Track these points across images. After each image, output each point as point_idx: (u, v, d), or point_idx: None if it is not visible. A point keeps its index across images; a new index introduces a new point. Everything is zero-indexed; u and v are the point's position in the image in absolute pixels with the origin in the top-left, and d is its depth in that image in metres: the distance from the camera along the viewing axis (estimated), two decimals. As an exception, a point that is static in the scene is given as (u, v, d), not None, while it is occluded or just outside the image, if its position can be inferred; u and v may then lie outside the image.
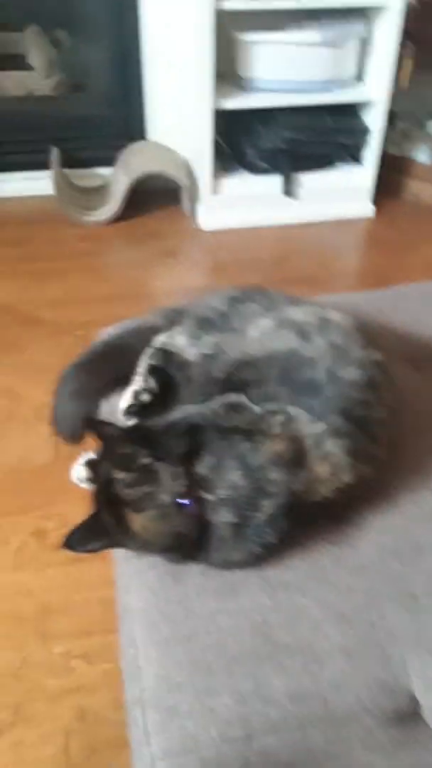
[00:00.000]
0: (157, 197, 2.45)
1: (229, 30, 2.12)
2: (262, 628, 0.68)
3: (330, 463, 0.72)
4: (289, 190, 2.37)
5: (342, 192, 2.44)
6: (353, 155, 2.45)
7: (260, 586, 0.72)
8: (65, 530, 0.69)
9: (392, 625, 0.69)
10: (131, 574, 0.76)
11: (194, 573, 0.73)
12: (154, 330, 0.93)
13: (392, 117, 2.43)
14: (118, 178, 2.41)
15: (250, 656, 0.66)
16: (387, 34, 2.18)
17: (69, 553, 0.70)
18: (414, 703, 0.65)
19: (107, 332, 1.04)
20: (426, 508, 0.80)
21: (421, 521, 0.78)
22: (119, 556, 0.80)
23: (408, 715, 0.64)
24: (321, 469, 0.71)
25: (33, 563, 1.28)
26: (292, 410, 0.74)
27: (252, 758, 0.59)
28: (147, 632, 0.70)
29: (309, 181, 2.40)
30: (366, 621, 0.69)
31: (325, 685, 0.64)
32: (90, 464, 0.86)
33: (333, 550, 0.75)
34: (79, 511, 0.70)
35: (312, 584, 0.72)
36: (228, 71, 2.23)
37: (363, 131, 2.36)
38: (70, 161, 2.48)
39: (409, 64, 2.38)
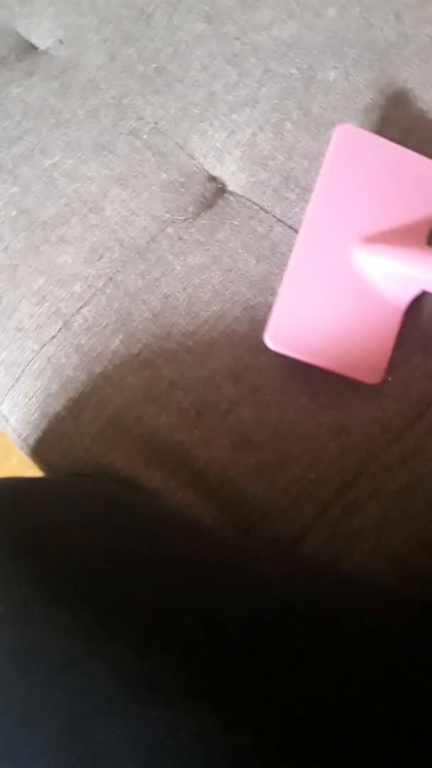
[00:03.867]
0: None
1: None
2: (21, 219, 0.55)
3: None
4: None
5: None
6: None
7: (-2, 178, 0.57)
8: None
9: (151, 117, 0.55)
10: None
11: None
12: None
13: None
14: None
15: (24, 254, 0.54)
16: None
17: None
18: (211, 180, 0.54)
19: None
20: None
21: None
22: None
23: (212, 197, 0.54)
24: None
25: None
26: None
27: (82, 342, 0.51)
28: None
29: None
30: (122, 135, 0.55)
31: (118, 226, 0.53)
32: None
33: (41, 85, 0.58)
34: None
35: (41, 132, 0.56)
36: None
37: None
38: None
39: None
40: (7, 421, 0.53)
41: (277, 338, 0.45)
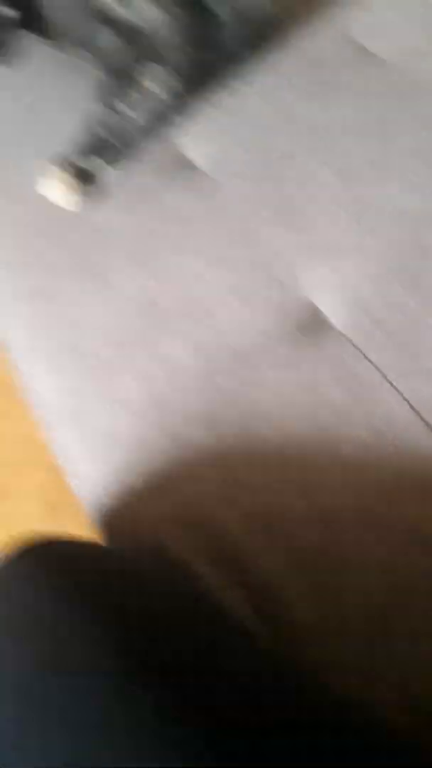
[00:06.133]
0: None
1: None
2: (146, 306, 0.62)
3: None
4: None
5: None
6: None
7: (130, 267, 0.64)
8: None
9: (273, 246, 0.63)
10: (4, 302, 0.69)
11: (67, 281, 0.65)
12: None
13: None
14: None
15: (137, 334, 0.61)
16: None
17: None
18: (313, 310, 0.60)
19: None
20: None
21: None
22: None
23: (312, 325, 0.60)
24: None
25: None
26: None
27: (173, 428, 0.56)
28: (31, 351, 0.65)
29: None
30: (245, 254, 0.63)
31: (224, 330, 0.60)
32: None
33: (189, 197, 0.67)
34: None
35: (179, 236, 0.64)
36: None
37: None
38: None
39: None
40: (84, 483, 0.58)
41: None
